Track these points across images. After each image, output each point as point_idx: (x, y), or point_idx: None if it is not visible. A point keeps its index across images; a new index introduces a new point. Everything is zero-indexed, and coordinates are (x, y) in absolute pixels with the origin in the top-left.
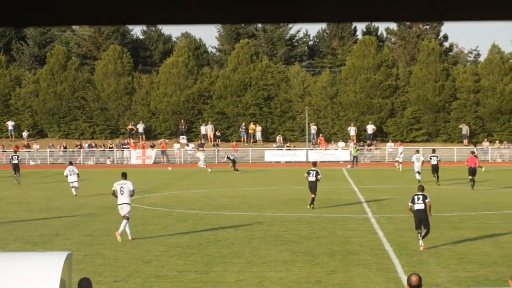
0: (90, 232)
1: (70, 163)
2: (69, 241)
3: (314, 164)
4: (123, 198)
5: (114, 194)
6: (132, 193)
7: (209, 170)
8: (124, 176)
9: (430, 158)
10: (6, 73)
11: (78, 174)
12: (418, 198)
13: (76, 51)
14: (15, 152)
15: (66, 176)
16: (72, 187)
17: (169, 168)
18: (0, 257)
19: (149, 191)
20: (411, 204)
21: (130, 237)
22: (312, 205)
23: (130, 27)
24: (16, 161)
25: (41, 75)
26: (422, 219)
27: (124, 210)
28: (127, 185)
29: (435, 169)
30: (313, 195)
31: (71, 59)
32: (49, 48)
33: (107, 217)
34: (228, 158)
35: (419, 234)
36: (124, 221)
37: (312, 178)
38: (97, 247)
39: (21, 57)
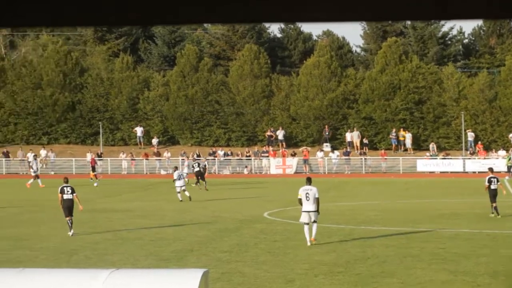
0: (227, 247)
1: (176, 168)
2: (205, 258)
3: (492, 170)
4: (309, 205)
5: (300, 202)
6: (317, 201)
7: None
8: (309, 181)
9: None
10: (134, 74)
11: (186, 180)
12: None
13: (208, 51)
14: (197, 159)
15: (175, 180)
16: (178, 192)
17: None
18: (132, 274)
19: (291, 204)
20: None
21: (312, 238)
22: (497, 215)
23: (267, 24)
24: (198, 169)
25: (171, 77)
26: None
27: (312, 217)
28: (313, 191)
29: None
30: (495, 204)
31: (203, 60)
32: (179, 47)
33: (245, 232)
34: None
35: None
36: (313, 226)
37: (494, 186)
38: (235, 264)
39: (149, 58)
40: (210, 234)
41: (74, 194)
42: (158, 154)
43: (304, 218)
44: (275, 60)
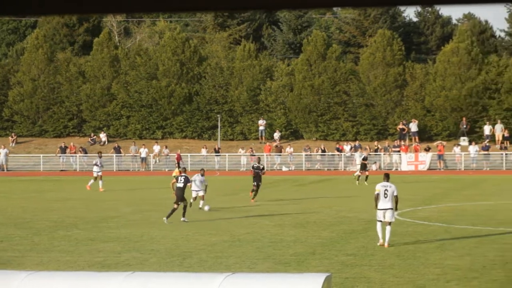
0: (352, 250)
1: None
2: (327, 261)
3: None
4: (386, 203)
5: (376, 198)
6: (396, 199)
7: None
8: (387, 177)
9: None
10: (256, 63)
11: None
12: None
13: (337, 37)
14: None
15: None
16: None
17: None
18: (249, 278)
19: (422, 203)
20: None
21: (386, 244)
22: None
23: (402, 8)
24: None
25: (296, 65)
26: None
27: (386, 216)
28: (392, 188)
29: None
30: None
31: (332, 47)
32: (305, 34)
33: (372, 233)
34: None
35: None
36: (387, 229)
37: None
38: (360, 269)
39: (273, 45)
40: (334, 236)
41: (189, 184)
42: (280, 149)
43: (379, 215)
44: (409, 46)
